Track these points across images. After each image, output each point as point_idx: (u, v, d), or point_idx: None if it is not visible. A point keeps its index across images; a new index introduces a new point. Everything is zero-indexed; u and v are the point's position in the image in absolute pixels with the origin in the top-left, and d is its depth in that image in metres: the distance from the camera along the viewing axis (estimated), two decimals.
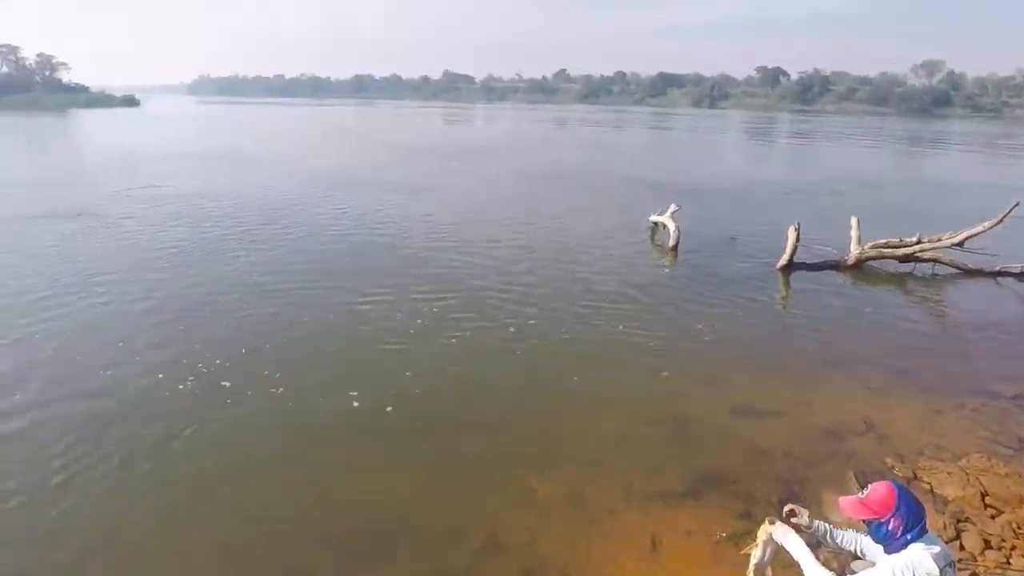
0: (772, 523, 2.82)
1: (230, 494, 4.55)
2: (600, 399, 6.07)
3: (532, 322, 7.89)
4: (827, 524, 2.96)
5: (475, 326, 7.77)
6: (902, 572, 2.45)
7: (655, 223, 13.27)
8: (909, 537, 2.52)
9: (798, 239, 10.35)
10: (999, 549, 3.84)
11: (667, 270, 10.83)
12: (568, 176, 22.76)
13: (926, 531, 2.56)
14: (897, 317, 8.74)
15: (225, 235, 12.32)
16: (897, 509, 2.53)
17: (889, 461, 4.95)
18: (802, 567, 2.62)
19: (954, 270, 10.55)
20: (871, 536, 2.67)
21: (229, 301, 8.50)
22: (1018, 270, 10.33)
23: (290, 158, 28.02)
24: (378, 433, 5.42)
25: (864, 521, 2.65)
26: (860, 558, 2.94)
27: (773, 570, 2.83)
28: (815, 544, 2.89)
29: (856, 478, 4.65)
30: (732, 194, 18.82)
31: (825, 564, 2.70)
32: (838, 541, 2.94)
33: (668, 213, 12.68)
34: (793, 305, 9.40)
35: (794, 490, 4.60)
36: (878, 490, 2.61)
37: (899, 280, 10.41)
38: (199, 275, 9.69)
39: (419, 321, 7.90)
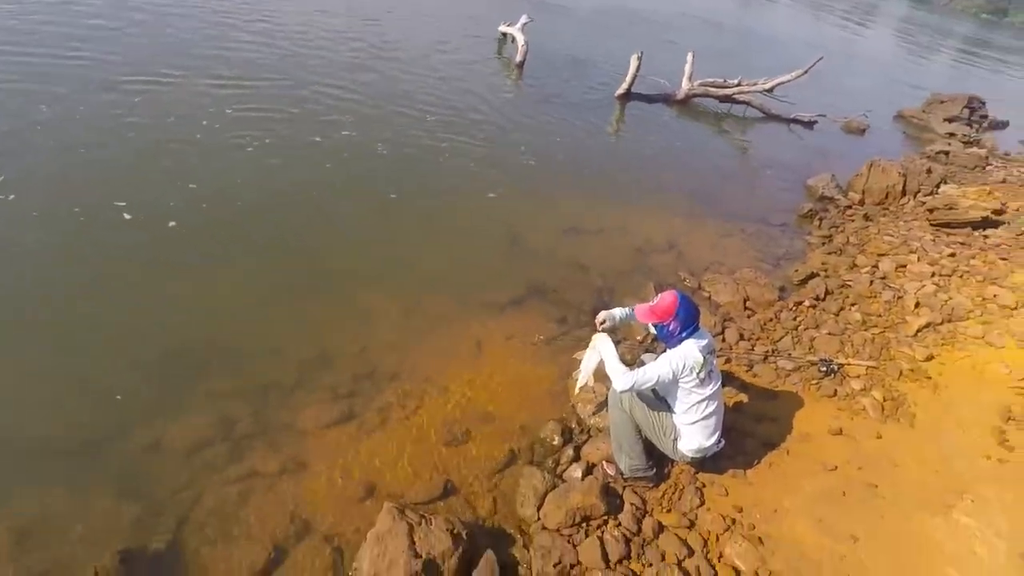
0: (599, 334, 3.27)
1: (22, 330, 3.94)
2: (432, 217, 6.05)
3: (350, 133, 7.28)
4: (622, 311, 3.45)
5: (288, 131, 6.99)
6: (676, 361, 3.01)
7: (504, 34, 12.55)
8: (684, 335, 3.06)
9: (639, 68, 10.56)
10: (748, 340, 4.82)
11: (509, 87, 10.53)
12: None
13: (698, 329, 3.11)
14: (708, 152, 9.64)
15: None
16: (677, 315, 3.05)
17: (682, 274, 5.76)
18: (607, 359, 3.06)
19: (761, 114, 11.70)
20: (657, 335, 3.18)
21: None
22: (807, 119, 11.76)
23: None
24: (187, 253, 4.86)
25: (652, 324, 3.15)
26: (650, 350, 3.51)
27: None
28: (616, 329, 3.43)
29: (654, 288, 5.37)
30: (588, 15, 18.21)
31: (622, 360, 3.19)
32: (630, 318, 3.43)
33: (519, 25, 11.99)
34: (624, 133, 9.86)
35: (604, 299, 5.21)
36: (664, 299, 3.10)
37: (717, 119, 11.31)
38: None
39: (228, 111, 6.99)
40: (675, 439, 3.19)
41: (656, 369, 3.00)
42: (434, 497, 3.26)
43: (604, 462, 3.44)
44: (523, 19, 12.10)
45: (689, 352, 3.03)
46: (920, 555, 3.03)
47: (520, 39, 11.45)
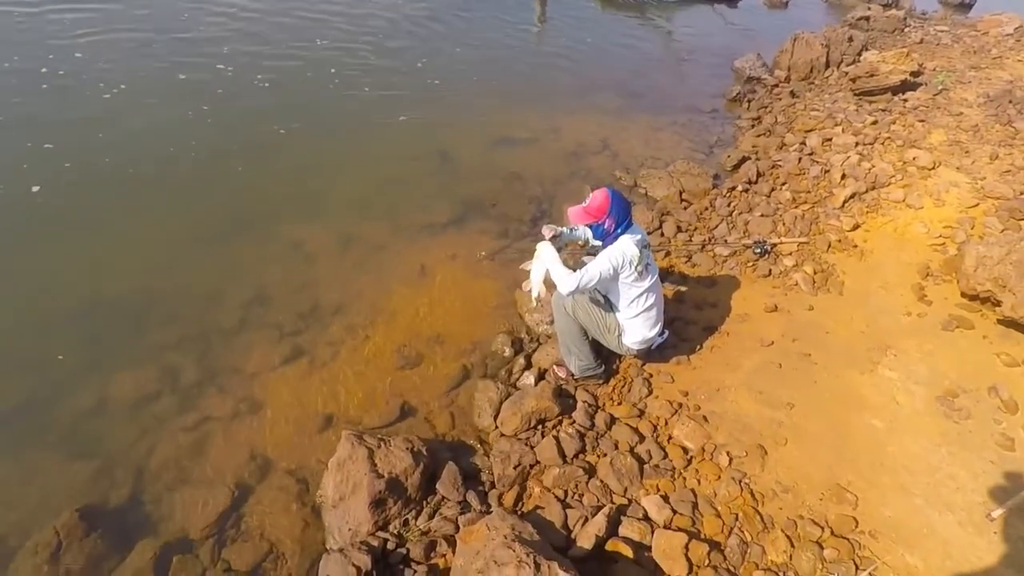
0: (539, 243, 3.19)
1: None
2: (358, 141, 5.79)
3: (225, 67, 6.77)
4: (566, 228, 3.42)
5: (154, 67, 6.44)
6: (615, 257, 3.02)
7: None
8: (619, 231, 3.06)
9: None
10: (686, 231, 4.90)
11: None
12: None
13: (632, 224, 3.12)
14: (634, 44, 9.36)
15: None
16: (610, 212, 3.03)
17: (618, 173, 5.73)
18: (551, 266, 3.04)
19: None
20: (593, 235, 3.17)
21: None
22: None
23: None
24: (92, 210, 4.58)
25: (587, 225, 3.13)
26: (591, 254, 3.52)
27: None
28: (562, 247, 3.36)
29: (590, 190, 5.33)
30: None
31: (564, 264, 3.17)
32: (576, 235, 3.41)
33: None
34: (547, 34, 9.43)
35: (543, 207, 5.16)
36: (596, 197, 3.06)
37: (639, 6, 10.94)
38: None
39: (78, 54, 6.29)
40: (619, 334, 3.27)
41: (597, 267, 3.01)
42: (392, 421, 3.30)
43: (554, 366, 3.52)
44: None
45: (626, 247, 3.05)
46: (848, 411, 3.29)
47: None
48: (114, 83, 5.98)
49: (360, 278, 4.27)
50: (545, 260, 3.09)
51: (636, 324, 3.22)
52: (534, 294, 3.28)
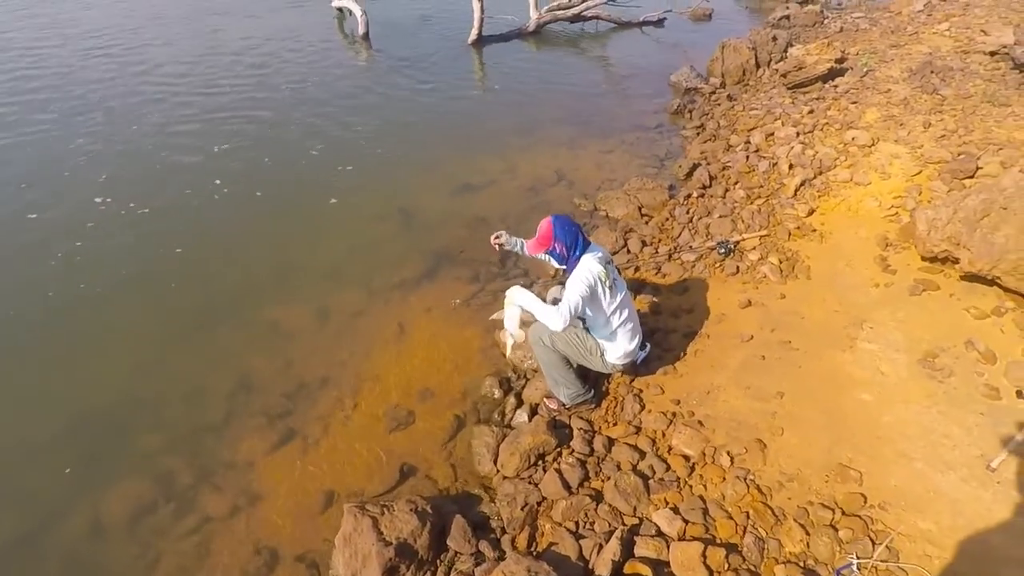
0: (509, 290, 3.17)
1: None
2: (318, 208, 5.86)
3: (227, 144, 6.93)
4: (520, 240, 3.44)
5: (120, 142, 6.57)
6: (584, 277, 3.05)
7: (340, 9, 11.96)
8: (578, 253, 3.13)
9: (483, 11, 10.38)
10: (650, 244, 5.02)
11: (362, 62, 10.14)
12: None
13: (589, 243, 3.19)
14: (573, 76, 9.68)
15: None
16: (556, 236, 3.09)
17: (577, 200, 5.87)
18: (533, 309, 3.04)
19: (613, 24, 11.85)
20: (555, 262, 3.25)
21: None
22: (655, 18, 12.02)
23: None
24: (66, 305, 4.57)
25: (544, 254, 3.23)
26: (560, 283, 3.58)
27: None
28: (514, 248, 3.44)
29: None
30: None
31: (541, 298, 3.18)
32: (527, 251, 3.37)
33: None
34: (489, 79, 9.74)
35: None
36: (541, 227, 3.14)
37: (573, 40, 11.37)
38: None
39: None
40: (602, 354, 3.31)
41: (574, 292, 3.01)
42: (394, 484, 3.26)
43: (545, 399, 3.54)
44: None
45: (590, 265, 3.09)
46: (837, 389, 3.34)
47: (357, 10, 10.96)
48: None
49: (341, 348, 4.28)
50: (522, 303, 3.09)
51: (615, 340, 3.26)
52: (509, 344, 3.35)
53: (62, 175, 6.33)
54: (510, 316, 3.11)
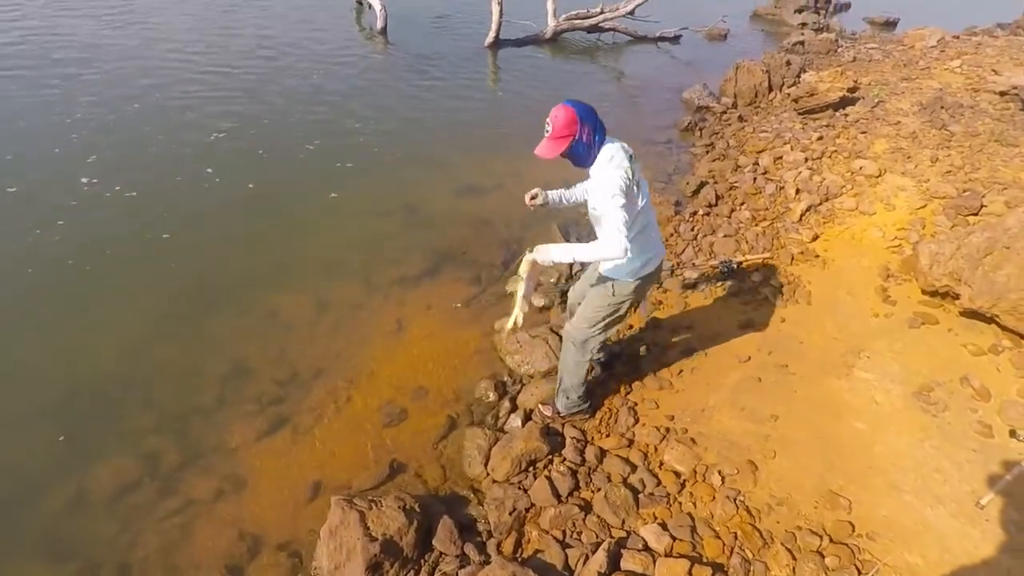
0: (530, 251, 2.63)
1: None
2: (323, 200, 5.84)
3: (226, 131, 6.91)
4: (559, 191, 3.07)
5: (164, 129, 6.54)
6: (610, 159, 2.56)
7: (359, 2, 11.99)
8: (599, 138, 2.60)
9: (501, 14, 10.41)
10: None
11: (378, 56, 10.15)
12: None
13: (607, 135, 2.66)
14: (586, 85, 9.72)
15: None
16: (582, 119, 2.53)
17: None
18: (576, 255, 2.54)
19: (629, 38, 11.90)
20: (576, 161, 2.67)
21: None
22: (672, 34, 12.08)
23: None
24: (55, 296, 4.52)
25: (564, 154, 2.60)
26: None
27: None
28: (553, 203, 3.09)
29: (558, 229, 5.46)
30: None
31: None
32: (573, 198, 3.05)
33: None
34: (502, 82, 9.76)
35: (513, 249, 5.24)
36: (558, 115, 2.55)
37: (589, 50, 11.42)
38: None
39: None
40: (627, 281, 2.88)
41: (612, 190, 2.44)
42: (382, 480, 3.24)
43: (540, 405, 3.52)
44: None
45: (616, 150, 2.59)
46: (831, 416, 3.34)
47: (377, 4, 10.98)
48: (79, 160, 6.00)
49: (338, 340, 4.26)
50: (559, 257, 2.56)
51: (636, 247, 2.66)
52: (519, 316, 2.77)
53: (52, 152, 6.27)
54: (526, 286, 2.70)
